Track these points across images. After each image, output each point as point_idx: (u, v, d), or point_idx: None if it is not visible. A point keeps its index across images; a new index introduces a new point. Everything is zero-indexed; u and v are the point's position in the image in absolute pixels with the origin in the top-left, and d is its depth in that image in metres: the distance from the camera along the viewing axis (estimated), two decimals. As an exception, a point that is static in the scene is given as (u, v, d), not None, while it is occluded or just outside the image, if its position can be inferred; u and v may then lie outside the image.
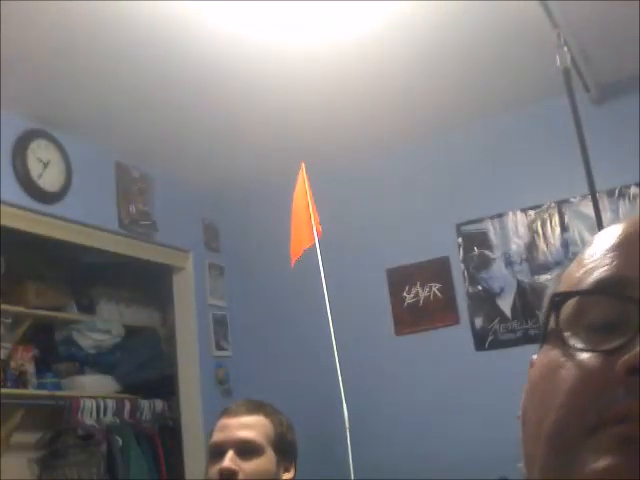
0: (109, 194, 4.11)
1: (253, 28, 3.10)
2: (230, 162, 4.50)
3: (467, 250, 4.22)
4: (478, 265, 4.18)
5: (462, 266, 4.23)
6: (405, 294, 4.35)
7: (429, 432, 4.08)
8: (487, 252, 4.16)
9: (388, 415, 4.21)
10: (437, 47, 3.42)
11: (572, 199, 3.95)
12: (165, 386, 4.69)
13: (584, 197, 3.74)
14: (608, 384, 0.53)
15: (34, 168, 3.59)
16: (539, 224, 4.04)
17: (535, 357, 0.63)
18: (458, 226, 4.25)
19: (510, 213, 4.12)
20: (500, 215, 4.14)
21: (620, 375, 0.52)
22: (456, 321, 4.20)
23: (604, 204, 3.72)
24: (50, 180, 3.68)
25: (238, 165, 4.54)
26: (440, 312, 4.25)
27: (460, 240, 4.24)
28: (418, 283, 4.32)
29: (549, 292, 0.66)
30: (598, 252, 0.62)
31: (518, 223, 4.10)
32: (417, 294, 4.32)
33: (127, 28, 3.02)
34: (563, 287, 0.64)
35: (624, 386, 0.51)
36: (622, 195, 3.82)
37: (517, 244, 4.09)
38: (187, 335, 4.58)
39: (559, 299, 0.60)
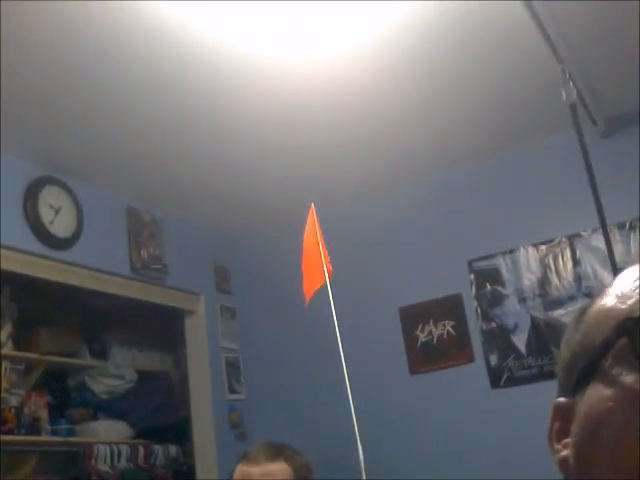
0: (120, 239, 4.12)
1: (265, 68, 3.12)
2: (240, 204, 4.51)
3: (480, 286, 4.20)
4: (491, 301, 4.16)
5: (475, 303, 4.20)
6: (419, 332, 4.32)
7: (445, 472, 4.03)
8: (500, 288, 4.14)
9: (404, 455, 4.16)
10: (448, 83, 3.44)
11: (583, 233, 3.93)
12: (179, 431, 4.66)
13: (595, 230, 3.73)
14: None
15: (46, 214, 3.61)
16: (551, 259, 4.02)
17: (562, 400, 0.63)
18: (470, 262, 4.24)
19: (521, 248, 4.10)
20: (512, 251, 4.13)
21: None
22: (471, 359, 4.17)
23: (615, 237, 3.70)
24: (61, 226, 3.70)
25: (248, 207, 4.56)
26: (454, 350, 4.21)
27: (472, 277, 4.22)
28: (431, 321, 4.30)
29: (568, 335, 0.66)
30: (629, 285, 0.62)
31: (530, 258, 4.08)
32: (431, 332, 4.30)
33: (137, 75, 3.05)
34: (599, 326, 0.63)
35: None
36: (633, 227, 3.80)
37: (529, 279, 4.07)
38: (200, 379, 4.56)
39: (630, 324, 0.59)
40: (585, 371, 0.61)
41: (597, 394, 0.59)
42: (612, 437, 0.56)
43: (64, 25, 2.69)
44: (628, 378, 0.57)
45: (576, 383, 0.62)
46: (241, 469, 2.12)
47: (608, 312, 0.63)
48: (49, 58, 2.88)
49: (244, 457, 2.15)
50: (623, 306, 0.61)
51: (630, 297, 0.61)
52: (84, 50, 2.84)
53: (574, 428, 0.61)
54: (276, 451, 2.14)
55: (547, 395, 0.71)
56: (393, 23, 2.91)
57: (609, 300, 0.64)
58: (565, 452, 0.62)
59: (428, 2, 2.80)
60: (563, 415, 0.63)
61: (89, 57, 2.89)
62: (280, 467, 2.09)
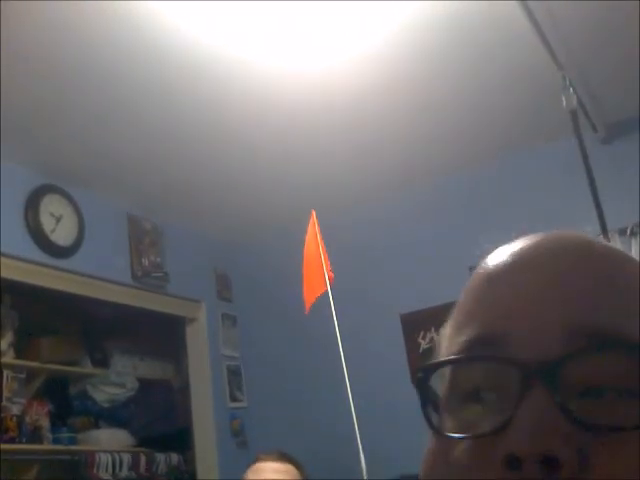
0: (121, 247, 4.12)
1: (264, 76, 3.13)
2: (240, 211, 4.52)
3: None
4: (492, 308, 4.15)
5: (476, 309, 4.19)
6: (420, 340, 4.31)
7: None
8: (501, 295, 4.13)
9: (406, 465, 4.15)
10: (449, 91, 3.45)
11: (584, 239, 3.93)
12: (180, 439, 4.65)
13: (596, 236, 3.72)
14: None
15: (47, 223, 3.61)
16: (552, 265, 4.01)
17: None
18: (471, 269, 4.21)
19: (523, 255, 4.10)
20: (513, 257, 4.12)
21: (497, 467, 0.42)
22: (472, 366, 4.15)
23: (616, 243, 3.70)
24: (63, 234, 3.70)
25: (248, 214, 4.56)
26: (456, 357, 4.20)
27: (473, 283, 4.21)
28: (433, 328, 4.29)
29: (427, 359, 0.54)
30: (470, 296, 0.51)
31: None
32: (432, 339, 4.29)
33: (138, 84, 3.06)
34: (440, 350, 0.53)
35: None
36: (634, 233, 3.80)
37: (531, 285, 4.06)
38: (201, 387, 4.55)
39: (421, 375, 0.50)
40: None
41: (428, 445, 0.50)
42: None
43: (64, 34, 2.69)
44: (433, 439, 0.49)
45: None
46: (254, 466, 2.38)
47: (443, 338, 0.53)
48: (49, 66, 2.88)
49: (257, 459, 2.43)
50: (449, 333, 0.51)
51: (455, 320, 0.51)
52: (84, 59, 2.85)
53: None
54: (286, 457, 2.41)
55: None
56: (388, 38, 2.91)
57: (451, 319, 0.53)
58: None
59: (424, 14, 2.81)
60: None
61: (90, 65, 2.90)
62: (289, 467, 2.36)
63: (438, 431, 0.48)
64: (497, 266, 0.51)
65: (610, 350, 0.44)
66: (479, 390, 0.47)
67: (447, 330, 0.53)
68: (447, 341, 0.52)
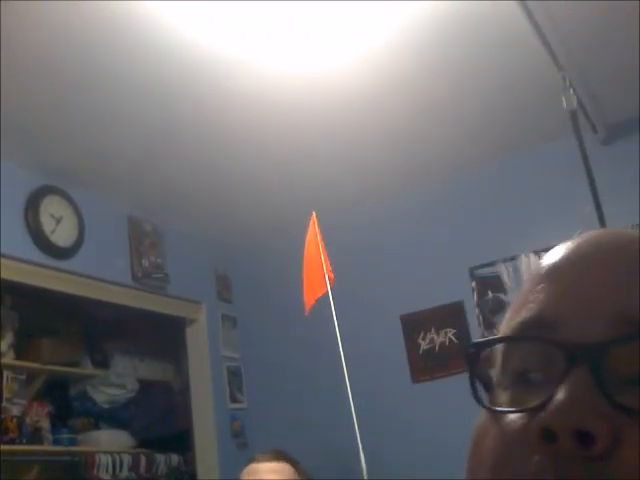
0: (121, 248, 4.12)
1: (264, 78, 3.13)
2: (241, 213, 4.52)
3: (481, 294, 4.20)
4: (493, 309, 4.15)
5: (477, 310, 4.20)
6: (420, 340, 4.31)
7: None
8: (501, 295, 4.14)
9: (406, 464, 4.15)
10: (449, 92, 3.45)
11: (584, 240, 3.93)
12: (180, 440, 4.65)
13: None
14: (525, 452, 0.46)
15: (47, 224, 3.61)
16: (552, 266, 4.01)
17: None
18: (471, 270, 4.23)
19: (523, 255, 4.10)
20: (513, 258, 4.12)
21: (534, 440, 0.45)
22: (473, 366, 4.15)
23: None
24: (63, 236, 3.70)
25: (249, 215, 4.56)
26: (456, 358, 4.20)
27: (474, 284, 4.22)
28: (433, 329, 4.29)
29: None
30: (528, 286, 0.54)
31: (531, 265, 4.07)
32: (432, 340, 4.29)
33: (138, 85, 3.06)
34: (501, 329, 0.56)
35: (539, 455, 0.45)
36: (635, 234, 3.80)
37: (531, 287, 4.06)
38: (201, 388, 4.55)
39: (472, 351, 0.53)
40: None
41: (478, 418, 0.52)
42: (468, 474, 0.52)
43: (64, 35, 2.70)
44: (482, 413, 0.51)
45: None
46: (249, 467, 2.33)
47: (505, 318, 0.56)
48: (49, 67, 2.88)
49: (253, 459, 2.37)
50: (508, 314, 0.54)
51: (515, 303, 0.54)
52: (84, 59, 2.85)
53: None
54: (281, 455, 2.37)
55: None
56: (388, 39, 2.92)
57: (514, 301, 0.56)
58: None
59: (424, 14, 2.81)
60: None
61: (89, 66, 2.90)
62: (285, 466, 2.31)
63: (482, 404, 0.51)
64: (554, 259, 0.55)
65: None
66: (528, 371, 0.50)
67: (507, 314, 0.56)
68: (504, 323, 0.55)
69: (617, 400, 0.44)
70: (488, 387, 0.53)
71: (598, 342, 0.46)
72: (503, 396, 0.51)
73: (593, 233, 0.56)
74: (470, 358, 0.52)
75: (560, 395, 0.45)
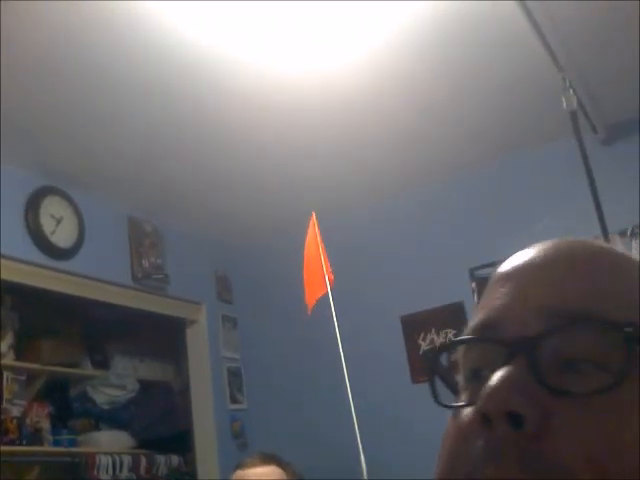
0: (122, 248, 4.12)
1: (264, 80, 3.13)
2: (240, 213, 4.52)
3: (481, 294, 4.17)
4: (493, 309, 4.14)
5: (477, 311, 4.19)
6: (420, 341, 4.31)
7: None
8: (501, 296, 4.13)
9: (406, 464, 4.14)
10: (449, 93, 3.45)
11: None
12: (181, 440, 4.65)
13: (596, 238, 3.72)
14: (472, 441, 0.50)
15: (47, 225, 3.61)
16: (553, 267, 4.01)
17: None
18: (471, 270, 4.23)
19: (523, 256, 4.09)
20: (513, 259, 4.12)
21: (476, 428, 0.49)
22: (473, 367, 4.15)
23: (617, 244, 3.70)
24: (63, 236, 3.70)
25: (249, 216, 4.56)
26: (456, 358, 4.20)
27: (474, 285, 4.22)
28: (433, 329, 4.29)
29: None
30: (485, 292, 0.60)
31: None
32: (433, 341, 4.28)
33: (138, 86, 3.06)
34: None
35: (481, 440, 0.49)
36: (634, 235, 3.80)
37: (531, 287, 4.06)
38: (202, 388, 4.55)
39: (429, 355, 0.59)
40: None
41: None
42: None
43: (63, 35, 2.70)
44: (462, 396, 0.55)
45: None
46: (235, 474, 2.29)
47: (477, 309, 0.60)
48: (48, 68, 2.88)
49: (239, 466, 2.33)
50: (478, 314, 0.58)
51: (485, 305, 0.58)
52: (84, 60, 2.85)
53: None
54: (268, 458, 2.31)
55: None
56: (388, 39, 2.92)
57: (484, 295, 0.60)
58: None
59: (424, 15, 2.81)
60: None
61: (89, 67, 2.90)
62: (273, 470, 2.26)
63: (439, 403, 0.56)
64: (504, 267, 0.60)
65: (581, 328, 0.50)
66: (480, 369, 0.55)
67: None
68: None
69: (547, 382, 0.48)
70: (455, 391, 0.57)
71: (532, 335, 0.51)
72: (463, 395, 0.55)
73: (542, 243, 0.61)
74: (428, 363, 0.58)
75: (490, 382, 0.49)
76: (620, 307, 0.51)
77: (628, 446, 0.46)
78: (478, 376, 0.54)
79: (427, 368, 0.58)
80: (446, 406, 0.55)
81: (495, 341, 0.53)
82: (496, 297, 0.57)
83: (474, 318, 0.57)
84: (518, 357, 0.50)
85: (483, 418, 0.48)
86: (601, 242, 0.62)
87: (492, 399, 0.48)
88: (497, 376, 0.49)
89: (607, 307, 0.51)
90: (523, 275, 0.57)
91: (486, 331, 0.55)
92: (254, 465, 2.27)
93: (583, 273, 0.55)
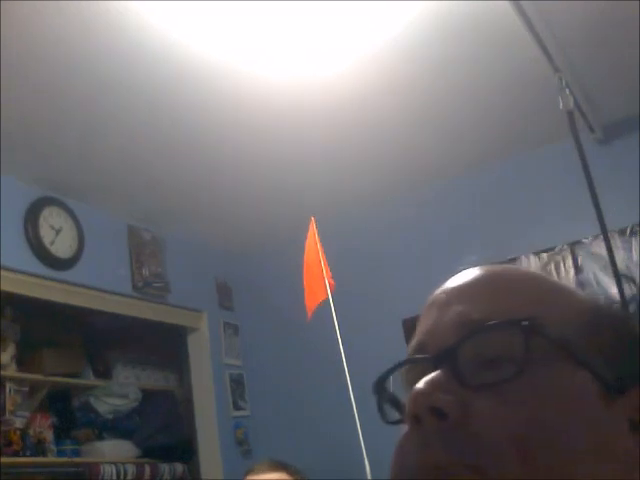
0: (122, 258, 4.12)
1: (261, 85, 3.13)
2: (241, 220, 4.52)
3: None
4: (494, 311, 4.14)
5: (478, 313, 4.18)
6: (422, 344, 4.30)
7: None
8: (502, 297, 4.13)
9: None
10: (446, 96, 3.45)
11: (584, 240, 3.93)
12: (184, 449, 4.64)
13: (596, 237, 3.72)
14: (409, 442, 0.57)
15: (46, 235, 3.61)
16: (552, 267, 4.02)
17: None
18: (472, 272, 4.22)
19: (523, 257, 4.10)
20: (513, 259, 4.12)
21: (411, 430, 0.56)
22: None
23: (616, 243, 3.70)
24: (62, 247, 3.70)
25: (249, 223, 4.56)
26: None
27: (475, 286, 4.21)
28: (434, 332, 4.28)
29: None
30: (420, 317, 0.68)
31: (531, 266, 4.07)
32: (434, 343, 4.28)
33: (132, 93, 3.06)
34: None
35: (415, 437, 0.55)
36: (634, 233, 3.80)
37: (532, 288, 4.05)
38: (204, 396, 4.55)
39: (377, 380, 0.65)
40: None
41: None
42: None
43: (62, 47, 2.70)
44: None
45: None
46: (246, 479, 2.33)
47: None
48: (46, 80, 2.89)
49: (249, 471, 2.38)
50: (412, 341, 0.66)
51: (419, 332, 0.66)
52: (81, 71, 2.85)
53: None
54: (278, 465, 2.38)
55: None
56: (388, 41, 2.92)
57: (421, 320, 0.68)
58: None
59: (420, 18, 2.81)
60: None
61: (87, 78, 2.90)
62: (282, 476, 2.32)
63: (386, 421, 0.63)
64: (431, 296, 0.69)
65: (489, 331, 0.58)
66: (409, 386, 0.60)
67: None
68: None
69: (465, 379, 0.56)
70: (402, 410, 0.63)
71: (448, 345, 0.59)
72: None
73: (457, 274, 0.70)
74: (376, 389, 0.65)
75: (415, 387, 0.56)
76: (520, 311, 0.59)
77: (543, 421, 0.53)
78: None
79: (374, 392, 0.65)
80: (392, 423, 0.62)
81: (424, 359, 0.61)
82: (425, 322, 0.66)
83: (411, 342, 0.66)
84: (442, 366, 0.58)
85: (414, 419, 0.55)
86: (509, 265, 0.75)
87: (417, 400, 0.55)
88: (421, 381, 0.56)
89: (509, 312, 0.60)
90: (442, 300, 0.65)
91: (418, 352, 0.63)
92: (263, 471, 2.32)
93: (488, 291, 0.64)
